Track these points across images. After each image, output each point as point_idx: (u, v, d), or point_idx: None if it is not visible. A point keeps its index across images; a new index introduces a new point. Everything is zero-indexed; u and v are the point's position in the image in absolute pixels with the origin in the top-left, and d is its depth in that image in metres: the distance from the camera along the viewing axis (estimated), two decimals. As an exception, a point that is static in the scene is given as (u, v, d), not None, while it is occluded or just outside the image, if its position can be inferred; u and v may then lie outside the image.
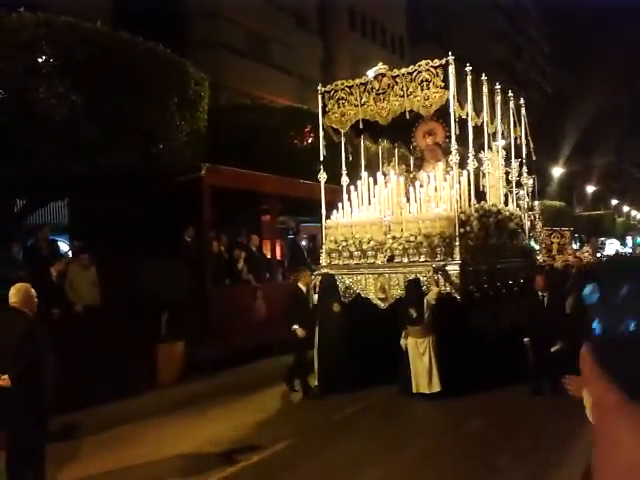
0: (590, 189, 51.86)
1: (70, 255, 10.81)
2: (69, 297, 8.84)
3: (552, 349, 7.89)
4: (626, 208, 59.88)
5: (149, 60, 9.42)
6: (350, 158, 10.61)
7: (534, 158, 11.33)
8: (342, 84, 9.84)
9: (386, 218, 9.19)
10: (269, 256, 12.94)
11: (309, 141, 13.72)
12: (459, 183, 9.08)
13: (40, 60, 8.08)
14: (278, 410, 7.77)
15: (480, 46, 41.94)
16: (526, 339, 8.30)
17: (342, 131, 10.07)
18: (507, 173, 10.80)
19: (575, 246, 32.82)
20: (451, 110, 8.65)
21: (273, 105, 16.21)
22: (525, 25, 57.49)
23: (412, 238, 8.70)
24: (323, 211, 10.01)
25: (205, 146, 11.01)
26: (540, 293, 8.44)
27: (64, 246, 12.55)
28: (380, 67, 9.47)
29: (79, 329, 8.12)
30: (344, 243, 9.44)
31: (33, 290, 5.05)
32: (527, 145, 11.27)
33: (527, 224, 11.00)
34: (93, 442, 6.58)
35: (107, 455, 6.16)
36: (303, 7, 25.99)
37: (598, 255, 19.64)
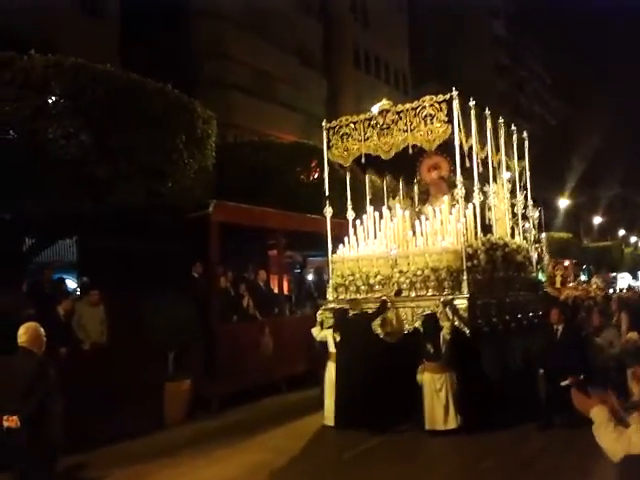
0: (597, 220, 51.78)
1: (78, 293, 10.83)
2: (77, 335, 8.81)
3: (562, 383, 7.79)
4: (634, 239, 59.65)
5: (158, 100, 9.58)
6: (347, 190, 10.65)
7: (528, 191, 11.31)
8: (346, 120, 9.98)
9: (392, 252, 9.19)
10: (276, 291, 12.91)
11: (315, 176, 13.82)
12: (465, 216, 9.10)
13: (50, 101, 8.22)
14: (287, 449, 7.62)
15: (482, 80, 42.49)
16: (541, 371, 8.22)
17: (346, 166, 10.17)
18: (513, 206, 10.83)
19: (584, 277, 32.66)
20: (456, 144, 8.72)
21: (279, 142, 16.39)
22: (527, 58, 58.30)
23: (419, 272, 8.68)
24: (329, 245, 10.03)
25: (212, 183, 11.11)
26: (555, 326, 8.37)
27: (72, 284, 12.58)
28: (384, 103, 9.60)
29: (86, 368, 8.07)
30: (351, 277, 9.42)
31: (42, 329, 5.05)
32: (532, 178, 11.32)
33: (534, 256, 10.98)
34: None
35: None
36: (308, 46, 26.52)
37: (610, 291, 19.41)
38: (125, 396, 8.28)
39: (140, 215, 9.26)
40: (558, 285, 17.10)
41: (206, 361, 10.03)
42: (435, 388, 7.86)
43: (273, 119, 22.25)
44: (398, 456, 7.23)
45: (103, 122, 8.52)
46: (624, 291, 19.35)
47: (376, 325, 8.70)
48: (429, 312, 8.32)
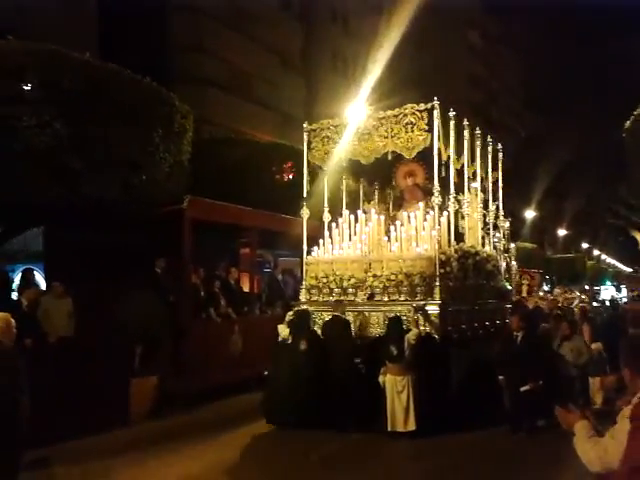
0: (561, 232, 52.91)
1: (43, 284, 10.63)
2: (43, 327, 8.64)
3: (522, 389, 7.97)
4: (596, 252, 61.12)
5: (135, 92, 9.49)
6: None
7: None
8: (328, 123, 10.05)
9: (366, 252, 9.27)
10: (247, 289, 12.87)
11: (290, 177, 13.84)
12: (439, 224, 9.23)
13: (26, 88, 8.08)
14: (254, 448, 7.63)
15: (457, 90, 43.04)
16: (501, 377, 8.38)
17: (325, 168, 10.22)
18: (484, 215, 11.04)
19: (546, 288, 33.33)
20: (435, 153, 8.86)
21: (256, 140, 16.37)
22: (500, 70, 59.28)
23: (393, 277, 8.78)
24: (304, 247, 10.05)
25: (187, 178, 11.05)
26: (515, 333, 8.53)
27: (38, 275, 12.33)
28: (366, 108, 9.70)
29: (52, 361, 7.93)
30: (324, 280, 9.47)
31: (13, 320, 4.95)
32: (503, 189, 11.56)
33: (503, 266, 11.20)
34: (61, 478, 6.38)
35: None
36: (287, 46, 26.52)
37: (595, 304, 19.88)
38: (90, 391, 8.16)
39: (112, 207, 9.15)
40: (524, 294, 17.44)
41: (174, 358, 9.95)
42: (397, 390, 7.94)
43: (250, 117, 22.18)
44: (361, 458, 7.28)
45: (79, 112, 8.41)
46: (594, 303, 19.79)
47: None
48: (393, 315, 8.41)
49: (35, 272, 11.37)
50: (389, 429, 7.91)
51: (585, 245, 57.83)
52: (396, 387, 7.94)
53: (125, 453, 7.24)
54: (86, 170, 8.46)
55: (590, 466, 2.67)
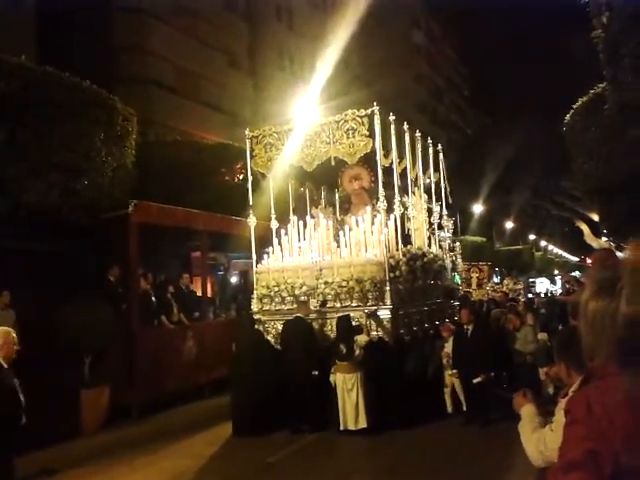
0: (509, 225, 54.28)
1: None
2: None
3: (474, 381, 8.12)
4: (543, 243, 62.96)
5: (75, 95, 9.24)
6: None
7: (450, 201, 11.84)
8: (270, 129, 10.01)
9: (317, 259, 9.27)
10: (200, 293, 12.70)
11: (240, 178, 13.73)
12: (387, 227, 9.31)
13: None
14: (211, 455, 7.51)
15: (402, 88, 43.59)
16: (454, 371, 8.52)
17: (268, 175, 10.17)
18: (429, 216, 11.22)
19: (496, 280, 34.13)
20: (378, 159, 8.94)
21: (203, 142, 16.17)
22: (445, 68, 60.37)
23: (344, 283, 8.82)
24: (253, 255, 9.99)
25: (133, 182, 10.82)
26: (465, 326, 8.69)
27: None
28: (316, 108, 9.72)
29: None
30: (276, 288, 9.43)
31: (14, 335, 4.95)
32: (445, 189, 11.79)
33: (449, 264, 11.42)
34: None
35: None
36: (233, 46, 26.28)
37: (530, 295, 20.37)
38: (38, 404, 7.86)
39: (54, 214, 8.88)
40: (474, 287, 17.82)
41: (126, 367, 9.72)
42: (347, 388, 7.98)
43: (197, 118, 21.88)
44: (318, 459, 7.27)
45: (17, 117, 8.12)
46: (529, 295, 20.37)
47: None
48: (342, 314, 8.45)
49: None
50: (341, 428, 7.94)
51: (532, 237, 59.50)
52: (346, 385, 7.99)
53: (76, 466, 7.04)
54: (24, 176, 8.17)
55: (532, 461, 2.71)
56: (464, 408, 8.49)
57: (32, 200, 8.34)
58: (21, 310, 8.79)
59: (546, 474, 2.54)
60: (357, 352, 8.04)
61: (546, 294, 19.01)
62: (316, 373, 8.29)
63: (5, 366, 4.86)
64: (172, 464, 7.14)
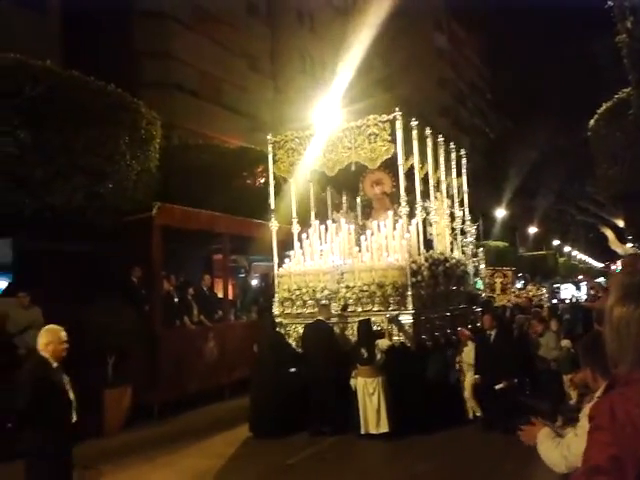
0: (532, 230, 53.71)
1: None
2: (14, 340, 8.45)
3: (496, 387, 8.05)
4: (567, 248, 62.19)
5: (100, 99, 9.38)
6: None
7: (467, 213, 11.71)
8: (292, 134, 10.06)
9: (338, 263, 9.27)
10: (221, 295, 12.79)
11: (261, 181, 13.80)
12: (409, 232, 9.28)
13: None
14: (231, 455, 7.56)
15: (425, 92, 43.45)
16: (476, 376, 8.46)
17: (290, 179, 10.21)
18: (452, 221, 11.16)
19: (519, 285, 33.78)
20: (399, 164, 8.91)
21: (225, 145, 16.30)
22: (468, 72, 60.03)
23: (365, 287, 8.81)
24: (275, 259, 10.03)
25: (156, 185, 10.94)
26: (488, 332, 8.62)
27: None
28: (338, 112, 9.74)
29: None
30: (297, 292, 9.45)
31: (63, 334, 4.97)
32: (469, 194, 11.71)
33: (472, 269, 11.34)
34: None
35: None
36: (255, 49, 26.44)
37: (554, 301, 19.82)
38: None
39: (79, 216, 9.01)
40: (498, 292, 17.65)
41: (148, 367, 9.82)
42: (368, 392, 7.97)
43: (219, 122, 22.05)
44: (339, 462, 7.28)
45: (43, 120, 8.28)
46: (554, 301, 19.85)
47: None
48: (363, 318, 8.43)
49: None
50: (362, 432, 7.93)
51: (556, 242, 58.80)
52: (367, 389, 7.97)
53: (98, 464, 7.10)
54: (50, 179, 8.32)
55: (555, 467, 2.68)
56: (477, 414, 8.43)
57: (57, 202, 8.48)
58: (47, 309, 8.92)
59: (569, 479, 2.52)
60: (378, 356, 8.03)
61: (571, 300, 18.66)
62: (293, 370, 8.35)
63: (54, 364, 4.84)
64: (192, 463, 7.21)
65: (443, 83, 52.65)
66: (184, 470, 6.98)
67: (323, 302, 9.01)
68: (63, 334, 4.98)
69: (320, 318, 8.75)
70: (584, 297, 22.81)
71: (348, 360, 8.33)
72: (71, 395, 4.92)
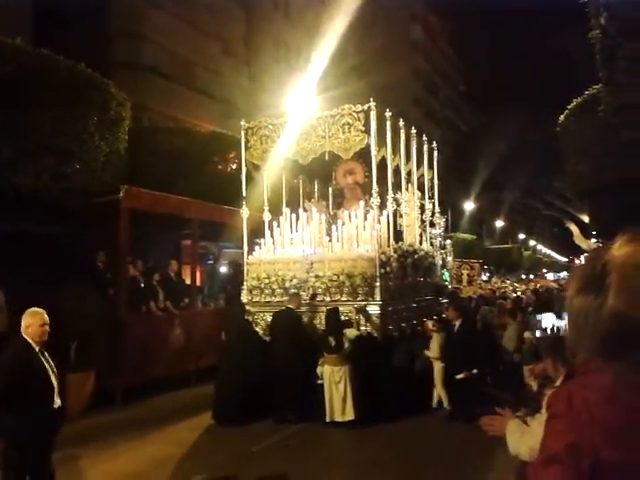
0: (499, 224, 54.58)
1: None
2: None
3: (457, 377, 8.20)
4: (532, 242, 63.38)
5: (69, 78, 9.15)
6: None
7: (437, 206, 11.83)
8: (266, 121, 9.99)
9: (308, 252, 9.27)
10: (189, 282, 12.68)
11: (233, 167, 13.68)
12: (380, 223, 9.33)
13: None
14: (194, 442, 7.53)
15: (399, 82, 43.56)
16: (442, 365, 8.59)
17: (262, 167, 10.15)
18: (422, 213, 11.26)
19: (484, 277, 34.33)
20: (372, 155, 8.94)
21: (197, 129, 16.09)
22: (441, 63, 60.36)
23: (335, 277, 8.84)
24: (245, 246, 9.98)
25: (125, 168, 10.75)
26: (452, 322, 8.75)
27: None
28: (312, 100, 9.70)
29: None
30: (267, 280, 9.44)
31: (46, 318, 4.90)
32: (438, 186, 11.82)
33: (439, 261, 11.48)
34: None
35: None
36: (229, 34, 26.11)
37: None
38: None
39: (45, 197, 8.82)
40: (465, 283, 17.91)
41: (112, 352, 9.71)
42: (334, 380, 8.03)
43: (191, 106, 21.74)
44: (302, 449, 7.32)
45: (10, 99, 8.04)
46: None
47: None
48: (331, 307, 8.48)
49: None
50: (328, 419, 7.99)
51: (522, 236, 59.87)
52: (334, 377, 8.03)
53: (60, 450, 6.99)
54: (17, 158, 8.11)
55: (521, 456, 2.72)
56: (445, 404, 8.57)
57: (23, 182, 8.28)
58: (10, 291, 8.73)
59: (527, 469, 2.57)
60: (346, 345, 8.09)
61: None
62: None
63: (36, 348, 4.78)
64: (156, 450, 7.16)
65: (417, 74, 52.87)
66: (145, 457, 6.92)
67: (293, 291, 9.01)
68: (44, 317, 4.91)
69: (290, 306, 8.75)
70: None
71: (315, 349, 8.36)
72: (53, 380, 4.83)
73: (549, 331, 18.64)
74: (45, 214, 9.47)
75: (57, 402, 4.86)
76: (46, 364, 4.83)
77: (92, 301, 9.30)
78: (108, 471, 6.46)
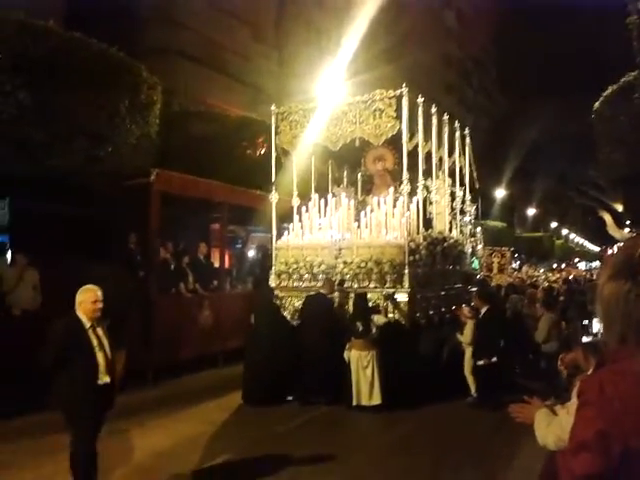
0: (531, 212, 53.72)
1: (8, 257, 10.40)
2: (7, 300, 8.48)
3: (478, 363, 8.17)
4: (565, 231, 62.28)
5: (101, 62, 9.25)
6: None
7: (477, 186, 11.73)
8: (296, 107, 9.96)
9: (337, 238, 9.26)
10: (217, 265, 12.81)
11: (262, 152, 13.72)
12: (409, 210, 9.26)
13: (-11, 56, 7.81)
14: (221, 422, 7.66)
15: (432, 68, 42.98)
16: (471, 352, 8.55)
17: (292, 152, 10.14)
18: (452, 200, 11.15)
19: (515, 265, 33.89)
20: (404, 142, 8.84)
21: (226, 114, 16.15)
22: (474, 49, 59.28)
23: (363, 264, 8.83)
24: (274, 231, 10.02)
25: (155, 151, 10.87)
26: (479, 310, 8.69)
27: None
28: (335, 93, 9.66)
29: (16, 335, 7.81)
30: (294, 265, 9.48)
31: (99, 294, 4.97)
32: (471, 174, 11.67)
33: (469, 249, 11.37)
34: (32, 448, 6.41)
35: (45, 462, 6.01)
36: (260, 18, 26.04)
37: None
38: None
39: (78, 179, 8.98)
40: (495, 272, 17.72)
41: (143, 332, 9.89)
42: (362, 365, 8.06)
43: (221, 90, 21.79)
44: (328, 430, 7.39)
45: (43, 82, 8.17)
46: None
47: None
48: (359, 292, 8.48)
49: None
50: (354, 403, 8.03)
51: (554, 224, 58.86)
52: (361, 362, 8.06)
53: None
54: (50, 141, 8.25)
55: (548, 446, 2.69)
56: (472, 391, 8.54)
57: (57, 165, 8.43)
58: (45, 271, 8.94)
59: (556, 457, 2.55)
60: (373, 331, 8.09)
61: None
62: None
63: (87, 324, 4.85)
64: (185, 429, 7.30)
65: (449, 58, 52.06)
66: (175, 434, 7.06)
67: (326, 276, 9.06)
68: (97, 293, 4.97)
69: (322, 291, 8.79)
70: None
71: (344, 334, 8.40)
72: (99, 357, 4.89)
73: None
74: (77, 196, 9.65)
75: (104, 379, 4.92)
76: (95, 341, 4.89)
77: (124, 282, 9.47)
78: (139, 448, 6.61)
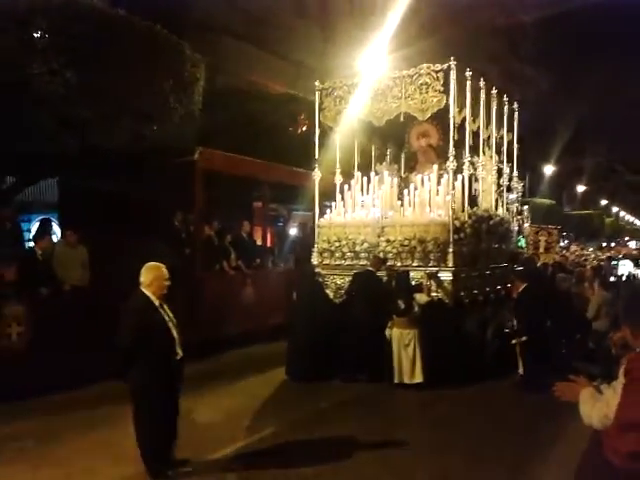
0: (580, 189, 52.18)
1: (58, 234, 10.72)
2: (58, 276, 8.73)
3: (512, 342, 8.04)
4: (615, 209, 60.36)
5: (146, 39, 9.29)
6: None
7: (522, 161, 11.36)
8: (340, 82, 9.82)
9: (379, 216, 9.17)
10: (260, 243, 12.90)
11: (303, 129, 13.65)
12: (454, 188, 9.07)
13: (36, 35, 7.92)
14: (266, 396, 7.78)
15: (473, 39, 41.80)
16: (506, 330, 8.45)
17: (335, 128, 10.02)
18: (499, 177, 10.86)
19: (562, 244, 33.05)
20: (451, 117, 8.61)
21: (268, 91, 16.10)
22: (521, 21, 57.37)
23: (406, 242, 8.73)
24: (316, 209, 9.99)
25: (199, 129, 10.92)
26: (518, 289, 8.54)
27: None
28: (384, 59, 9.47)
29: (66, 310, 8.05)
30: (337, 244, 9.44)
31: (165, 272, 5.02)
32: (519, 149, 11.33)
33: (515, 227, 11.10)
34: (79, 419, 6.64)
35: (90, 435, 6.20)
36: (302, -6, 25.75)
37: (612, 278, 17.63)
38: (103, 341, 8.26)
39: (124, 158, 9.11)
40: (542, 250, 17.27)
41: (188, 308, 10.04)
42: (403, 343, 8.03)
43: (263, 67, 21.70)
44: (372, 407, 7.42)
45: (89, 60, 8.26)
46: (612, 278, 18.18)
47: None
48: (401, 270, 8.40)
49: (53, 222, 11.40)
50: (396, 381, 8.03)
51: (604, 202, 57.08)
52: (402, 340, 8.04)
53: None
54: (96, 120, 8.37)
55: (593, 425, 2.62)
56: (520, 370, 8.40)
57: (103, 143, 8.56)
58: (92, 249, 9.15)
59: (602, 434, 2.48)
60: (416, 309, 8.03)
61: (628, 277, 17.72)
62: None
63: (156, 302, 4.93)
64: (231, 402, 7.46)
65: (495, 31, 50.51)
66: (221, 408, 7.21)
67: (374, 253, 8.99)
68: (165, 271, 5.03)
69: (370, 269, 8.74)
70: None
71: (386, 312, 8.36)
72: (174, 332, 4.99)
73: (624, 278, 17.60)
74: (125, 175, 9.81)
75: (179, 353, 5.02)
76: (166, 317, 4.98)
77: (169, 259, 9.60)
78: (184, 421, 6.74)
